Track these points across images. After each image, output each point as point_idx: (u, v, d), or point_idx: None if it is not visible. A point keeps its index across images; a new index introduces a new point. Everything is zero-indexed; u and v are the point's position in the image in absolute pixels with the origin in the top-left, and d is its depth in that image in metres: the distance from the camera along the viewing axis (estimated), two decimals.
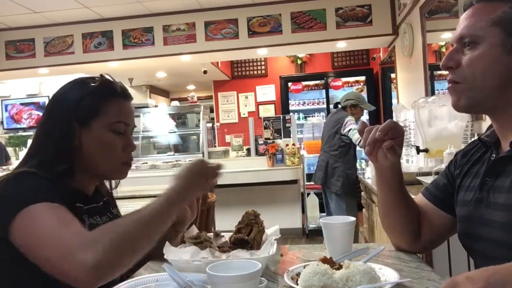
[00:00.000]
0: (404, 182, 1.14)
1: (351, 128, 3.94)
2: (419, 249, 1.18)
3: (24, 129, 6.13)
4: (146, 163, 4.83)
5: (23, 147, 5.86)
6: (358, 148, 4.18)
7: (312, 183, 4.81)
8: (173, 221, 1.29)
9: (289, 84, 7.58)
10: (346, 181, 4.05)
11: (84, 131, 1.10)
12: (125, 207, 2.59)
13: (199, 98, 7.31)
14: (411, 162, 2.81)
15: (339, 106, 4.30)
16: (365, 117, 7.25)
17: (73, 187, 1.12)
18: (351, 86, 7.43)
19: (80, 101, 1.11)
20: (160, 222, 0.98)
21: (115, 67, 5.55)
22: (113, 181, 1.32)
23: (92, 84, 1.13)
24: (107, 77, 1.17)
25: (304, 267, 0.97)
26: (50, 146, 1.10)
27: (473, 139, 1.13)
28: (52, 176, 1.05)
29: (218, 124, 7.30)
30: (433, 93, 3.52)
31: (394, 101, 5.83)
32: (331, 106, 5.08)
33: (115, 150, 1.14)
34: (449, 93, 1.00)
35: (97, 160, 1.13)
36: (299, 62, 7.69)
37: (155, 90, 8.60)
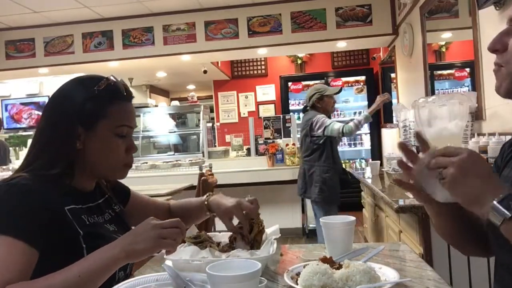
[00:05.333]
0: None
1: (326, 125, 3.51)
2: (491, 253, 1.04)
3: (24, 129, 6.13)
4: (146, 163, 4.82)
5: (23, 147, 5.87)
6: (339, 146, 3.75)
7: None
8: None
9: (289, 83, 7.58)
10: (324, 186, 3.55)
11: (88, 135, 1.09)
12: None
13: (199, 98, 7.30)
14: None
15: (308, 108, 3.79)
16: None
17: (71, 188, 1.10)
18: (351, 85, 7.43)
19: (85, 104, 1.08)
20: (94, 281, 0.94)
21: (115, 67, 5.55)
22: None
23: (98, 87, 1.09)
24: (112, 78, 1.13)
25: (304, 266, 0.97)
26: (52, 148, 1.08)
27: None
28: (53, 177, 1.05)
29: (218, 124, 7.30)
30: (433, 93, 3.51)
31: (394, 101, 5.82)
32: None
33: (118, 153, 1.12)
34: (495, 76, 0.92)
35: (101, 162, 1.12)
36: (299, 62, 7.69)
37: (155, 90, 8.60)
